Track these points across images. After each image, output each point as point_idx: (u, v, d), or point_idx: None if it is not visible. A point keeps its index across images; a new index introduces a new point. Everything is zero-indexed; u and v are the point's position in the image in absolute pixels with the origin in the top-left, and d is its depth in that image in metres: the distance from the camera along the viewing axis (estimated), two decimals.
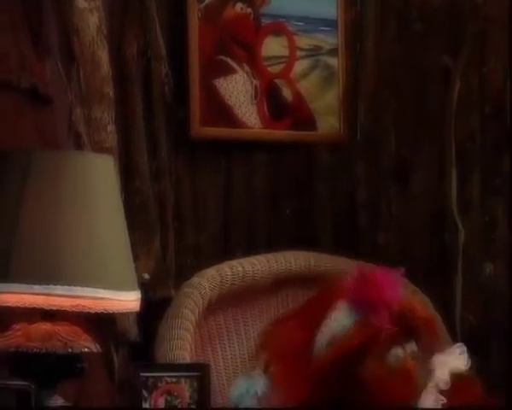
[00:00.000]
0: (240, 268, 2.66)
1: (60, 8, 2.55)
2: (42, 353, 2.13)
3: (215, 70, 2.80)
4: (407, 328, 2.37)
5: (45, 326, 2.17)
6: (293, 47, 2.88)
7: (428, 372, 2.37)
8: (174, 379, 2.23)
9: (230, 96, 2.82)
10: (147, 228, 2.69)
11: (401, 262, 2.83)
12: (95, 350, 2.20)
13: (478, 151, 2.99)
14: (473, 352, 2.90)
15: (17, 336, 2.16)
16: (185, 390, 2.23)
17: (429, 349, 2.39)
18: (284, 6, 2.86)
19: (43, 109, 2.50)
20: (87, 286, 2.11)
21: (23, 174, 2.12)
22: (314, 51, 2.90)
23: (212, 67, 2.80)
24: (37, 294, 2.09)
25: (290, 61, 2.88)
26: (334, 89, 2.91)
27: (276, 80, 2.87)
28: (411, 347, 2.36)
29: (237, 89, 2.82)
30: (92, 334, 2.23)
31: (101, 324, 2.41)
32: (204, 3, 2.78)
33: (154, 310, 2.61)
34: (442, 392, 2.35)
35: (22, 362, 2.13)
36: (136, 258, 2.34)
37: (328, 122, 2.91)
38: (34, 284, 2.09)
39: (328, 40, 2.91)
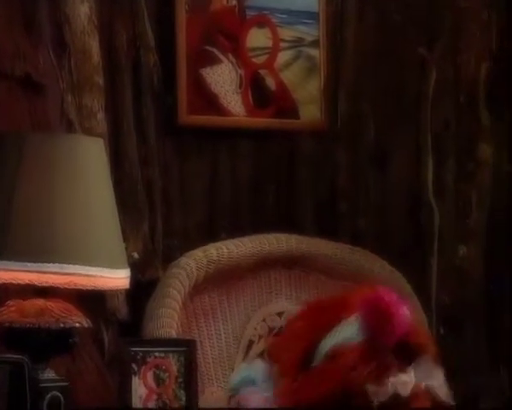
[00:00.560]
0: (225, 250, 2.67)
1: None
2: (35, 328, 2.14)
3: (202, 60, 2.81)
4: (408, 354, 2.37)
5: (38, 302, 2.17)
6: (276, 38, 2.89)
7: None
8: (162, 354, 2.24)
9: (216, 85, 2.83)
10: (135, 212, 2.70)
11: (379, 245, 2.86)
12: (86, 326, 2.21)
13: (452, 138, 3.01)
14: (447, 330, 2.93)
15: (11, 312, 2.17)
16: (173, 365, 2.24)
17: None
18: None
19: (36, 97, 2.50)
20: (79, 264, 2.12)
21: (17, 156, 2.13)
22: (296, 43, 2.91)
23: (199, 57, 2.80)
24: (31, 271, 2.10)
25: (274, 52, 2.89)
26: (316, 79, 2.92)
27: (260, 70, 2.88)
28: (410, 372, 2.35)
29: (223, 78, 2.83)
30: (84, 312, 2.24)
31: (92, 303, 2.41)
32: None
33: (142, 290, 2.62)
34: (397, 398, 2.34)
35: (16, 337, 2.14)
36: (125, 240, 2.34)
37: (310, 111, 2.92)
38: (28, 261, 2.09)
39: (310, 32, 2.92)
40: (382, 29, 2.97)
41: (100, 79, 2.63)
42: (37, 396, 2.11)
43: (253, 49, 2.87)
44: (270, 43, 2.89)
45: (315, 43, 2.92)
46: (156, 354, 2.23)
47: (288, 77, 2.90)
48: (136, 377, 2.21)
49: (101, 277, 2.14)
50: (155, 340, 2.42)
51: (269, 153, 2.89)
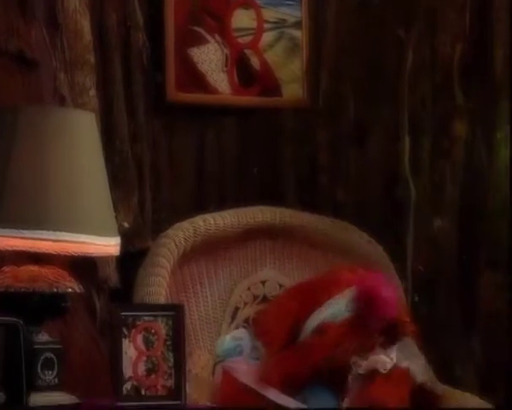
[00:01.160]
0: (212, 221, 2.68)
1: None
2: (29, 292, 2.15)
3: (189, 39, 2.81)
4: (393, 336, 2.39)
5: (33, 268, 2.18)
6: (260, 20, 2.89)
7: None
8: (151, 318, 2.25)
9: (203, 64, 2.83)
10: (126, 185, 2.71)
11: (358, 217, 2.88)
12: (78, 291, 2.22)
13: (428, 117, 3.02)
14: (421, 298, 2.96)
15: (6, 277, 2.17)
16: (161, 328, 2.25)
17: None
18: None
19: (29, 73, 2.50)
20: (72, 231, 2.13)
21: (12, 128, 2.13)
22: (279, 24, 2.91)
23: (187, 36, 2.80)
24: (26, 238, 2.11)
25: (258, 32, 2.89)
26: (298, 59, 2.93)
27: (245, 50, 2.88)
28: (392, 352, 2.37)
29: (209, 57, 2.83)
30: (76, 279, 2.25)
31: (84, 271, 2.43)
32: None
33: (133, 259, 2.63)
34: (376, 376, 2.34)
35: (11, 301, 2.15)
36: (116, 213, 2.35)
37: (293, 89, 2.93)
38: (23, 229, 2.10)
39: (293, 13, 2.92)
40: (362, 11, 2.97)
41: (91, 58, 2.63)
42: (31, 357, 2.12)
43: (238, 30, 2.87)
44: (254, 24, 2.89)
45: (297, 25, 2.92)
46: (145, 318, 2.24)
47: (271, 57, 2.91)
48: (127, 340, 2.22)
49: (93, 244, 2.16)
50: (145, 305, 2.44)
51: (253, 129, 2.90)
